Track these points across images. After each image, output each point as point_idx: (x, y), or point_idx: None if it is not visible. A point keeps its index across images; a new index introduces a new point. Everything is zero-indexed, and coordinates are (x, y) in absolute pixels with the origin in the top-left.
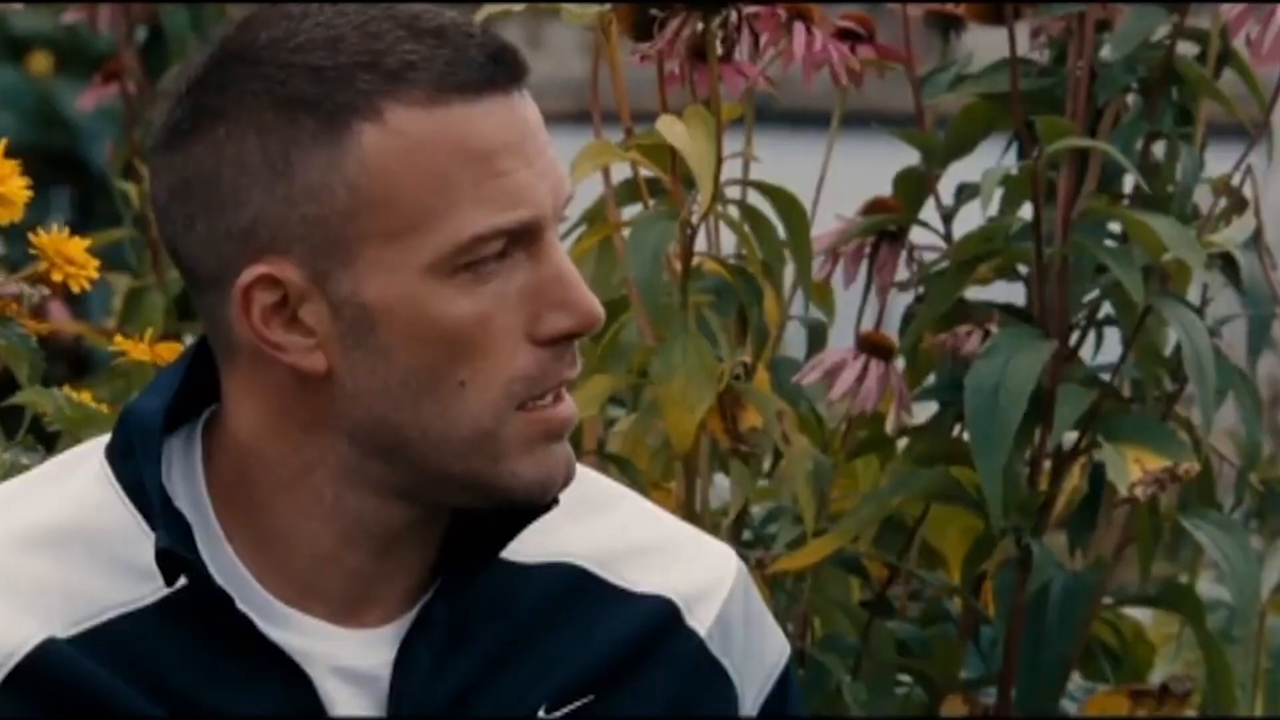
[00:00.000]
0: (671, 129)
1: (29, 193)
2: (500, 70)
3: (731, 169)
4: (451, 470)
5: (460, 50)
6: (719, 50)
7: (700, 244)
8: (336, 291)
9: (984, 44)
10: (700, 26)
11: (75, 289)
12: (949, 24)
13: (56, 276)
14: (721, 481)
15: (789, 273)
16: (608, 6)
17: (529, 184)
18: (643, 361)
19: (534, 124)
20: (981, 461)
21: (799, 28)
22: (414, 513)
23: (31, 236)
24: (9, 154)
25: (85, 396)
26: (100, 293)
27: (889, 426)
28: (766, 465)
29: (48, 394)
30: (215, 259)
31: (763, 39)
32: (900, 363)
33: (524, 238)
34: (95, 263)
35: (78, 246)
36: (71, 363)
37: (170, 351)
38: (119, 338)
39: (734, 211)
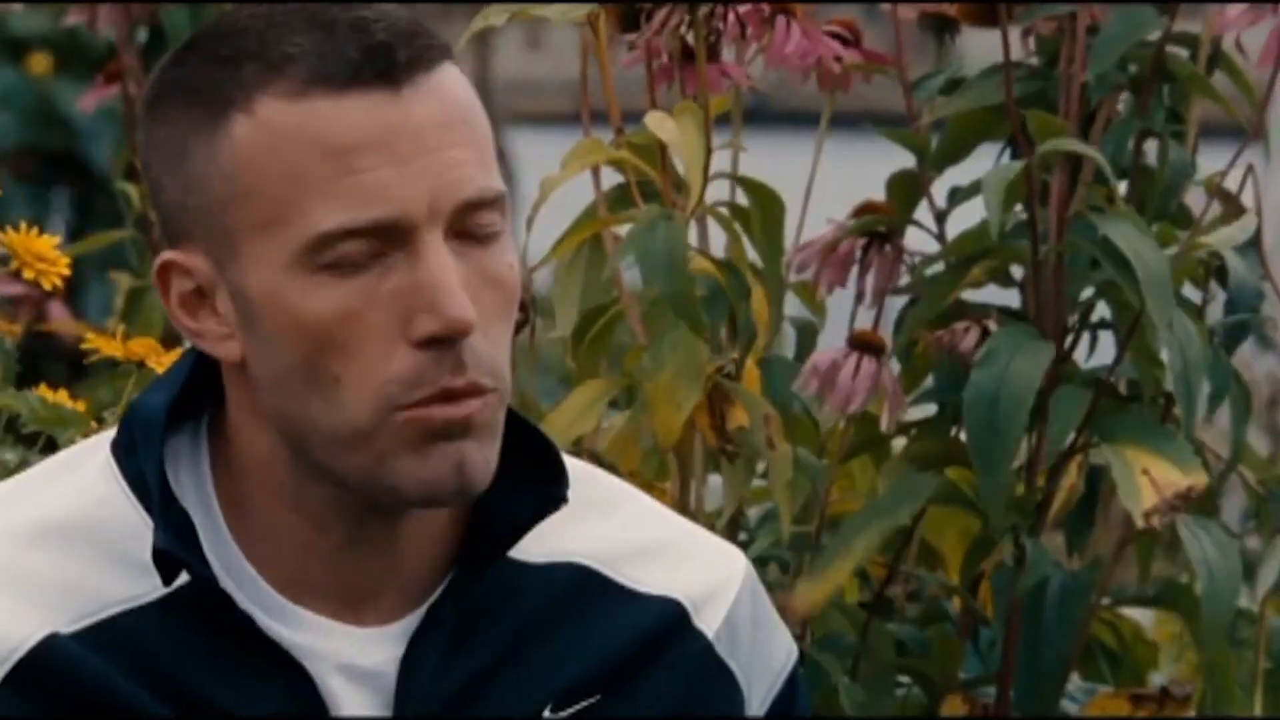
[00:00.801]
0: (661, 125)
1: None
2: (371, 65)
3: (726, 169)
4: (344, 466)
5: (339, 43)
6: (706, 48)
7: (693, 240)
8: (231, 281)
9: (977, 46)
10: (687, 18)
11: (47, 286)
12: (944, 26)
13: (28, 274)
14: (715, 481)
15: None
16: (595, 5)
17: (391, 183)
18: (635, 362)
19: (418, 122)
20: (982, 473)
21: (781, 23)
22: (368, 500)
23: (0, 235)
24: (8, 154)
25: (60, 396)
26: (100, 293)
27: (883, 425)
28: (762, 466)
29: (21, 396)
30: (161, 244)
31: (749, 36)
32: (895, 365)
33: (394, 238)
34: (65, 260)
35: (46, 243)
36: (71, 363)
37: (143, 347)
38: (90, 334)
39: (721, 209)
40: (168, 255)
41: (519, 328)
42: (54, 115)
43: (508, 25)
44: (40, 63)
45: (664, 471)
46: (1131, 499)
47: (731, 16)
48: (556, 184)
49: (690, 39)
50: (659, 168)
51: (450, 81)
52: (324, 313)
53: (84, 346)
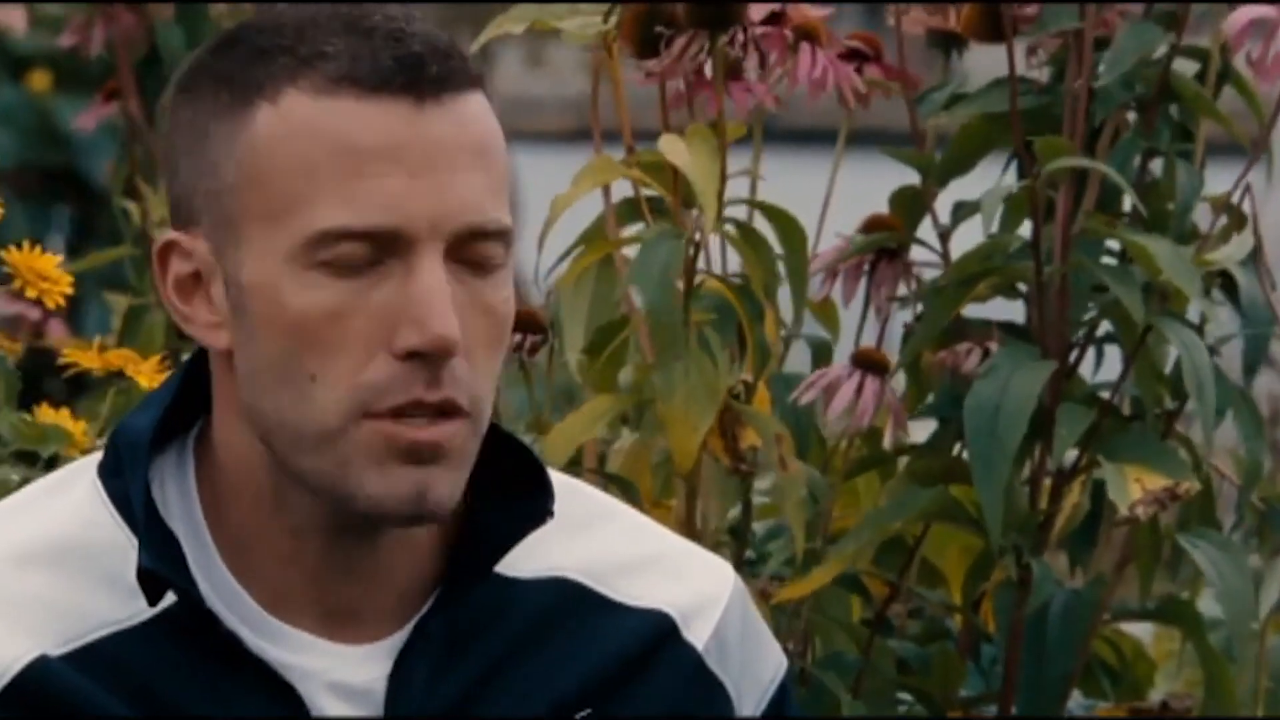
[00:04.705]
0: (674, 148)
1: (28, 211)
2: (403, 75)
3: (739, 189)
4: (304, 467)
5: (375, 49)
6: (728, 69)
7: (701, 262)
8: (227, 269)
9: (984, 63)
10: (707, 45)
11: (50, 305)
12: (951, 43)
13: (31, 293)
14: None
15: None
16: (609, 25)
17: (398, 193)
18: (642, 380)
19: (434, 139)
20: (981, 482)
21: (805, 48)
22: (338, 513)
23: (2, 254)
24: (8, 172)
25: (47, 414)
26: (99, 311)
27: (886, 443)
28: (761, 483)
29: (1, 414)
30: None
31: (770, 58)
32: (901, 381)
33: (393, 248)
34: (68, 278)
35: (50, 262)
36: (70, 380)
37: (120, 359)
38: (68, 349)
39: (735, 230)
40: (171, 235)
41: (536, 348)
42: (54, 133)
43: (510, 42)
44: (40, 80)
45: (669, 489)
46: (1120, 497)
47: (753, 46)
48: (568, 203)
49: (709, 66)
50: (671, 187)
51: (475, 109)
52: (311, 310)
53: (62, 361)
